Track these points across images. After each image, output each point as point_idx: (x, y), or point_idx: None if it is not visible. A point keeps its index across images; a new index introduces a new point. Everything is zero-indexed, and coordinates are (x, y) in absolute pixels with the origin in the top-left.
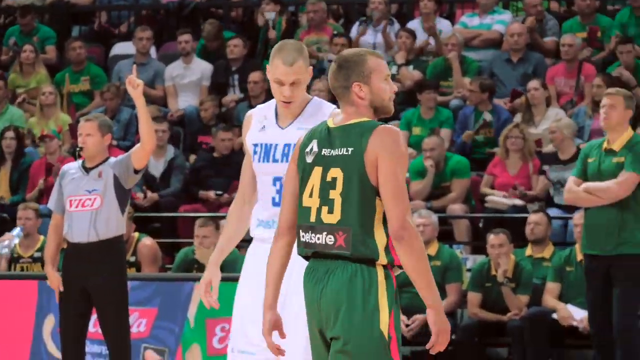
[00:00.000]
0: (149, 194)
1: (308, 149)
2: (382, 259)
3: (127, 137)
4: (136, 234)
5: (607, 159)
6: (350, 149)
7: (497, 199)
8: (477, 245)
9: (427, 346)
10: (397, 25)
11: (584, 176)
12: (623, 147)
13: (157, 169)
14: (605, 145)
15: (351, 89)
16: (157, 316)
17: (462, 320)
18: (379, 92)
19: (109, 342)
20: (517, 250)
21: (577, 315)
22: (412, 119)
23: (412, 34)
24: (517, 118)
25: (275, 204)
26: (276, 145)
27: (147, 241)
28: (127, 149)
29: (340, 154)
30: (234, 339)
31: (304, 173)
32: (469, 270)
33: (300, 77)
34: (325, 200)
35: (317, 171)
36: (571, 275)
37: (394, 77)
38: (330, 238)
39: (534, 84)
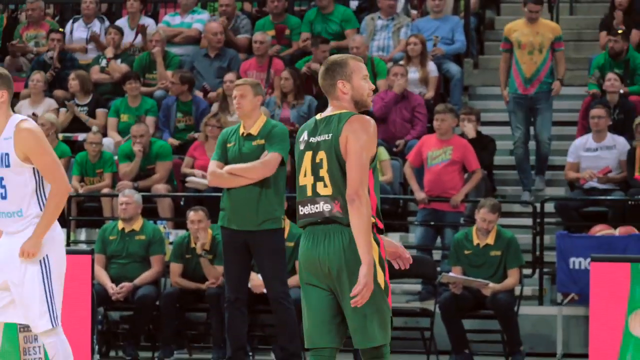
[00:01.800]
0: None
1: (300, 139)
2: None
3: None
4: None
5: (247, 142)
6: (330, 135)
7: (197, 179)
8: (179, 221)
9: (352, 293)
10: (107, 23)
11: (225, 160)
12: (260, 131)
13: None
14: (242, 130)
15: (337, 85)
16: None
17: (165, 289)
18: (359, 88)
19: None
20: (214, 225)
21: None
22: (120, 107)
23: (120, 31)
24: (215, 108)
25: None
26: None
27: None
28: None
29: (322, 139)
30: None
31: (298, 159)
32: (171, 243)
33: None
34: (317, 177)
35: (308, 155)
36: None
37: (103, 70)
38: (327, 206)
39: (229, 76)
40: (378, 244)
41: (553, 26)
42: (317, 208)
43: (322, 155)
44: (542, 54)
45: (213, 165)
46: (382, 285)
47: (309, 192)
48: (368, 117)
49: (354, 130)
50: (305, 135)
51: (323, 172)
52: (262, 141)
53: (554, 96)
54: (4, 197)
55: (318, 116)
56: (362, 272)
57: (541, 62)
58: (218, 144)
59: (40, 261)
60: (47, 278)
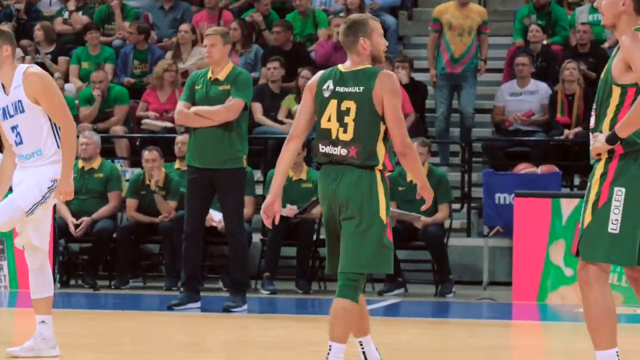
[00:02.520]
0: None
1: (325, 87)
2: (380, 166)
3: None
4: None
5: (214, 87)
6: (361, 87)
7: (151, 121)
8: (134, 160)
9: (423, 209)
10: None
11: (192, 101)
12: (227, 77)
13: None
14: (210, 75)
15: (358, 42)
16: None
17: (121, 222)
18: (377, 45)
19: None
20: (167, 164)
21: (216, 217)
22: (81, 55)
23: None
24: (168, 55)
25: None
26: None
27: None
28: None
29: (352, 90)
30: None
31: (321, 104)
32: (127, 180)
33: None
34: (342, 123)
35: (333, 103)
36: None
37: (65, 22)
38: (344, 150)
39: (183, 27)
40: (385, 184)
41: (481, 10)
42: (335, 151)
43: (349, 104)
44: (470, 36)
45: (181, 105)
46: (384, 219)
47: (333, 136)
48: (391, 72)
49: (390, 90)
50: (330, 84)
51: (348, 119)
52: (228, 86)
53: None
54: (21, 142)
55: (341, 68)
56: (424, 191)
57: (469, 43)
58: (187, 85)
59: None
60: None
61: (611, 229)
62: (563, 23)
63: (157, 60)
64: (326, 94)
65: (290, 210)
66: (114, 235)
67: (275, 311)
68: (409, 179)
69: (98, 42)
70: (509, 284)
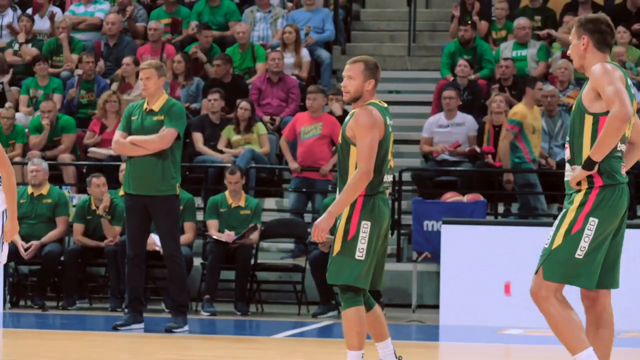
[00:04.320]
0: None
1: (388, 123)
2: None
3: None
4: None
5: (149, 117)
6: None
7: (96, 149)
8: (81, 187)
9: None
10: (19, 11)
11: (129, 131)
12: (161, 108)
13: None
14: (145, 106)
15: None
16: None
17: (69, 246)
18: None
19: None
20: (111, 191)
21: (157, 241)
22: (30, 86)
23: (31, 19)
24: (114, 87)
25: None
26: None
27: None
28: None
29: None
30: None
31: (387, 139)
32: (74, 206)
33: None
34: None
35: (392, 136)
36: None
37: (16, 53)
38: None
39: (127, 60)
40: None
41: None
42: (390, 179)
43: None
44: None
45: (118, 135)
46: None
47: (390, 165)
48: None
49: None
50: (388, 120)
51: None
52: (162, 117)
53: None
54: None
55: (381, 103)
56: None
57: None
58: (124, 116)
59: None
60: None
61: (578, 255)
62: (488, 57)
63: (102, 91)
64: (390, 129)
65: (228, 236)
66: (62, 258)
67: (215, 332)
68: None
69: (47, 73)
70: (436, 306)
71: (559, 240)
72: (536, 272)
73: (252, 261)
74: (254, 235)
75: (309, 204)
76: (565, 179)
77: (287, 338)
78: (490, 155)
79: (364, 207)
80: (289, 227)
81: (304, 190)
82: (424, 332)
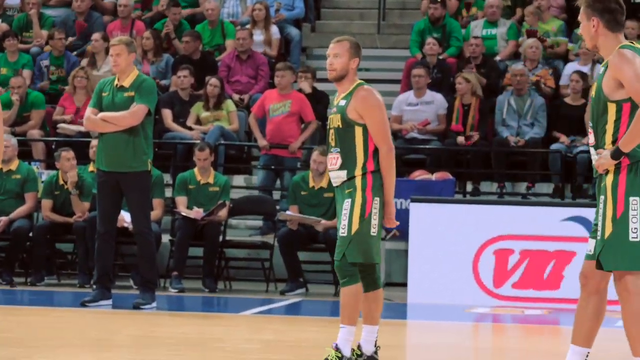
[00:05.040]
0: None
1: None
2: None
3: None
4: None
5: (120, 93)
6: None
7: (66, 125)
8: (51, 163)
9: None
10: None
11: (100, 107)
12: (131, 84)
13: None
14: (116, 82)
15: None
16: None
17: (37, 222)
18: None
19: None
20: (81, 167)
21: (127, 218)
22: (0, 61)
23: None
24: (84, 62)
25: None
26: None
27: None
28: None
29: None
30: None
31: None
32: (43, 181)
33: None
34: None
35: None
36: None
37: None
38: None
39: (96, 36)
40: None
41: None
42: None
43: None
44: None
45: (89, 111)
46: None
47: None
48: None
49: None
50: None
51: None
52: (133, 93)
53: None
54: None
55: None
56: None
57: None
58: (94, 93)
59: None
60: None
61: (632, 237)
62: (457, 35)
63: (72, 67)
64: None
65: (197, 212)
66: (30, 234)
67: (183, 309)
68: (311, 184)
69: (16, 49)
70: (404, 284)
71: (609, 229)
72: (599, 267)
73: (221, 238)
74: (223, 212)
75: (278, 181)
76: (593, 163)
77: (255, 315)
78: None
79: (374, 184)
80: (258, 205)
81: (272, 167)
82: (392, 310)
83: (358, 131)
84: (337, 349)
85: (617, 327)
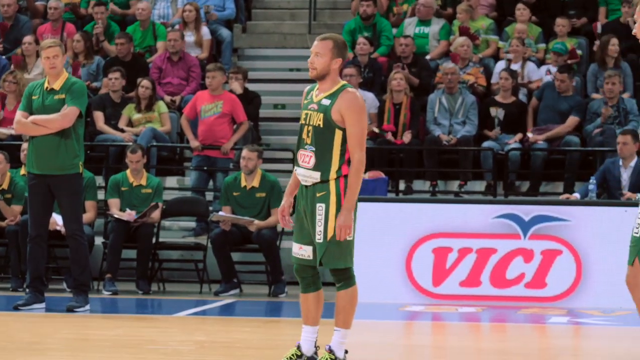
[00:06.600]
0: None
1: None
2: None
3: None
4: None
5: (50, 96)
6: None
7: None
8: None
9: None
10: None
11: (30, 110)
12: (62, 87)
13: None
14: (46, 85)
15: None
16: None
17: None
18: None
19: None
20: (13, 170)
21: (59, 221)
22: None
23: None
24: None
25: None
26: None
27: None
28: None
29: None
30: None
31: None
32: None
33: None
34: None
35: None
36: None
37: None
38: None
39: (27, 39)
40: None
41: None
42: None
43: None
44: None
45: (19, 115)
46: None
47: None
48: None
49: None
50: None
51: None
52: (63, 95)
53: None
54: None
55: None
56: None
57: None
58: (24, 96)
59: None
60: None
61: None
62: (387, 34)
63: (3, 70)
64: None
65: (130, 215)
66: None
67: (117, 311)
68: (243, 184)
69: None
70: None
71: None
72: (631, 264)
73: (154, 240)
74: (156, 214)
75: (211, 182)
76: None
77: (189, 316)
78: (390, 133)
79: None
80: (191, 206)
81: (205, 168)
82: (325, 309)
83: (338, 134)
84: (330, 352)
85: None
